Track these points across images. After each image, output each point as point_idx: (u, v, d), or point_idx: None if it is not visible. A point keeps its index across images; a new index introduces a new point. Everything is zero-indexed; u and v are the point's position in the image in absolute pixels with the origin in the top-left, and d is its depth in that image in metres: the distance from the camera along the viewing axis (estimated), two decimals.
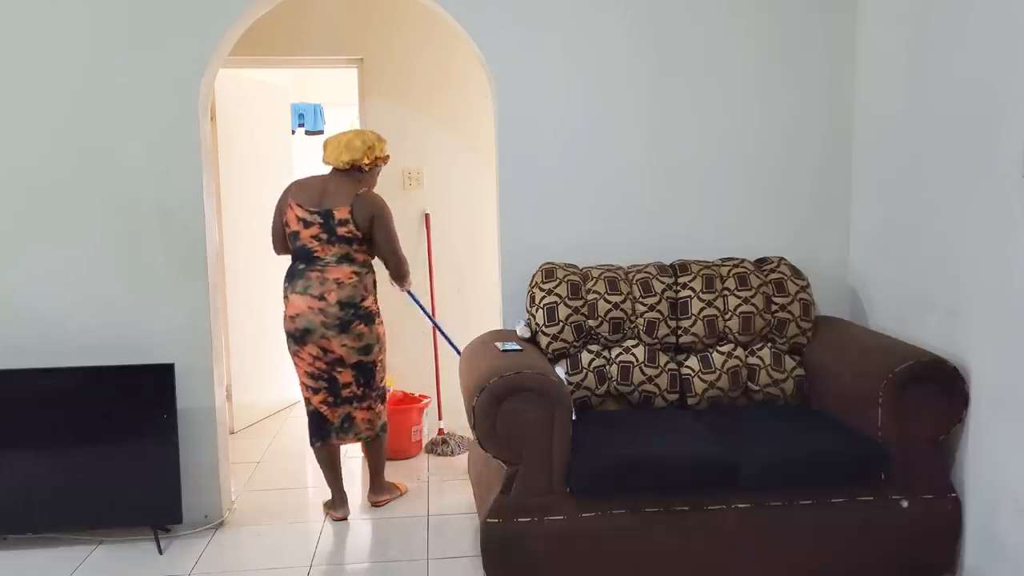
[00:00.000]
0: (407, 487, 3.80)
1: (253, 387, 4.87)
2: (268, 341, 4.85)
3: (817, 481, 2.76)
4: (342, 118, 7.42)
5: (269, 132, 5.12)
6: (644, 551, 2.71)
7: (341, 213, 3.33)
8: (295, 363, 3.46)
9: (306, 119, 7.18)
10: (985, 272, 2.70)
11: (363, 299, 3.37)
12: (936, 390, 2.75)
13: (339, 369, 3.39)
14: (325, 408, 3.46)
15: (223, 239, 4.49)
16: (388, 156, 3.54)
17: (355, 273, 3.36)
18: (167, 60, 3.25)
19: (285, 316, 3.41)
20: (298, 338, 3.37)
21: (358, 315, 3.35)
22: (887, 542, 2.75)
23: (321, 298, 3.32)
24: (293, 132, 6.08)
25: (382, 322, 3.50)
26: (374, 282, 3.46)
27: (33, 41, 3.21)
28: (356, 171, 3.42)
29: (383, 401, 3.57)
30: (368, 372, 3.45)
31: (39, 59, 3.22)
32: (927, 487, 2.78)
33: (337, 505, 3.56)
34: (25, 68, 3.22)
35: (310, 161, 7.38)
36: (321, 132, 7.29)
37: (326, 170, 3.48)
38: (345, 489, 3.59)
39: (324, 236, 3.34)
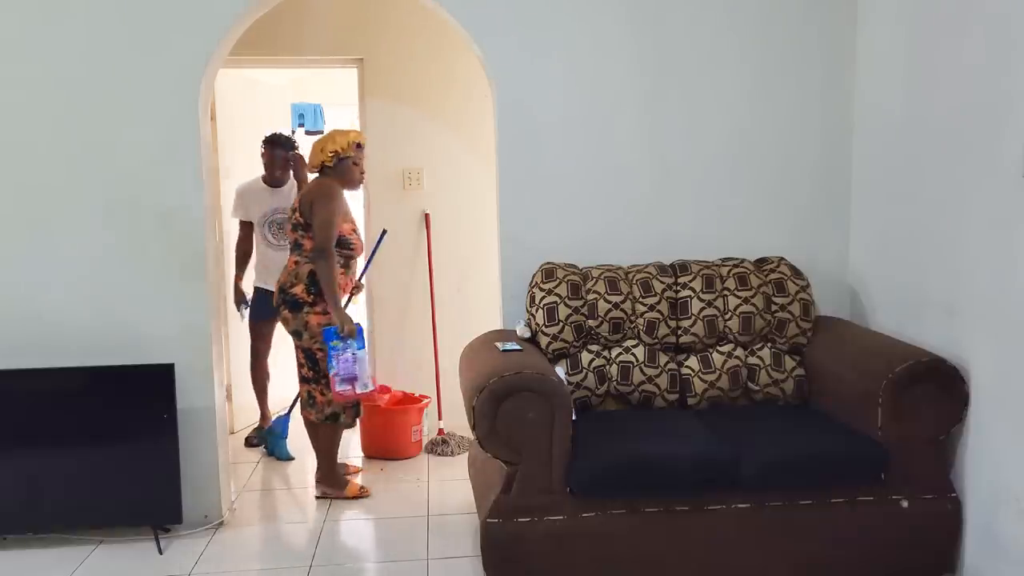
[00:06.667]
0: (368, 493, 3.70)
1: None
2: None
3: (817, 481, 2.76)
4: (342, 118, 7.40)
5: (269, 132, 5.09)
6: (644, 551, 2.71)
7: (294, 204, 3.68)
8: None
9: (306, 119, 7.16)
10: (985, 272, 2.70)
11: (292, 286, 3.57)
12: (936, 390, 2.75)
13: (295, 350, 3.70)
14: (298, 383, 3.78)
15: (223, 239, 4.48)
16: (350, 145, 3.62)
17: (295, 263, 3.61)
18: (167, 60, 3.25)
19: None
20: None
21: (284, 300, 3.59)
22: (887, 542, 2.75)
23: (273, 285, 3.75)
24: (293, 132, 6.07)
25: (320, 312, 3.51)
26: (309, 272, 3.52)
27: (33, 41, 3.21)
28: (323, 172, 3.65)
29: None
30: (310, 357, 3.62)
31: (39, 59, 3.22)
32: (927, 487, 2.78)
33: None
34: (25, 68, 3.22)
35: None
36: (321, 132, 7.27)
37: None
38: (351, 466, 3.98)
39: (287, 226, 3.76)
